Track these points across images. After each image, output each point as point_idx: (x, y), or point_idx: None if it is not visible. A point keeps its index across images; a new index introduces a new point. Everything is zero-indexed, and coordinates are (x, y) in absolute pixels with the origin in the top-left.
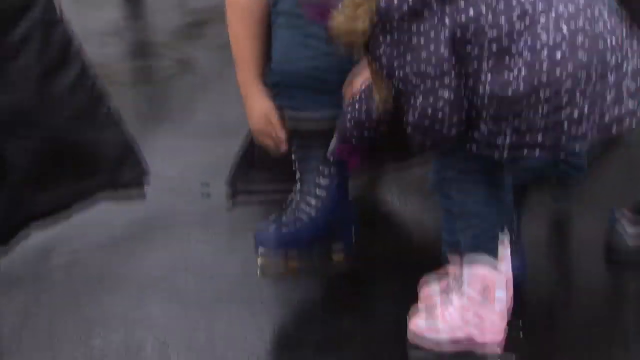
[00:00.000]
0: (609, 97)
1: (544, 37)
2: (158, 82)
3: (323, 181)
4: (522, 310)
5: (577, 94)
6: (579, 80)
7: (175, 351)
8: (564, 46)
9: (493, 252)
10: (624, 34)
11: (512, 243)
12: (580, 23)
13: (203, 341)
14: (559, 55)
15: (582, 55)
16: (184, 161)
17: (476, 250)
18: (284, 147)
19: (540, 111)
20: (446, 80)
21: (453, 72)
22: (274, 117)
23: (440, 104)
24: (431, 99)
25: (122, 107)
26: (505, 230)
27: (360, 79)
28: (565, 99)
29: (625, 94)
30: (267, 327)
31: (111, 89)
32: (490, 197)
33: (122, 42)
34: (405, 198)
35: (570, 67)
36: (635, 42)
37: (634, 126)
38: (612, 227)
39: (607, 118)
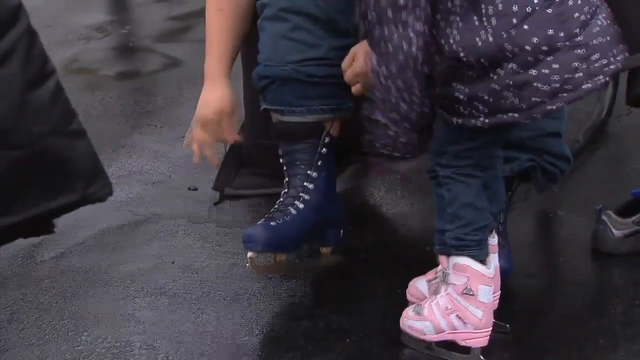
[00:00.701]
0: (578, 54)
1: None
2: (145, 80)
3: (312, 175)
4: (509, 306)
5: (544, 53)
6: (545, 37)
7: (162, 347)
8: (529, 8)
9: (480, 244)
10: None
11: (499, 236)
12: None
13: (190, 337)
14: (524, 15)
15: (548, 14)
16: (171, 158)
17: (462, 241)
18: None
19: (508, 69)
20: (417, 26)
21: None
22: (229, 110)
23: (411, 38)
24: (401, 30)
25: (110, 105)
26: (495, 220)
27: (362, 56)
28: (531, 57)
29: (594, 51)
30: (256, 323)
31: (98, 88)
32: (483, 187)
33: (108, 43)
34: (393, 192)
35: (535, 25)
36: None
37: (604, 84)
38: (599, 221)
39: (577, 75)
